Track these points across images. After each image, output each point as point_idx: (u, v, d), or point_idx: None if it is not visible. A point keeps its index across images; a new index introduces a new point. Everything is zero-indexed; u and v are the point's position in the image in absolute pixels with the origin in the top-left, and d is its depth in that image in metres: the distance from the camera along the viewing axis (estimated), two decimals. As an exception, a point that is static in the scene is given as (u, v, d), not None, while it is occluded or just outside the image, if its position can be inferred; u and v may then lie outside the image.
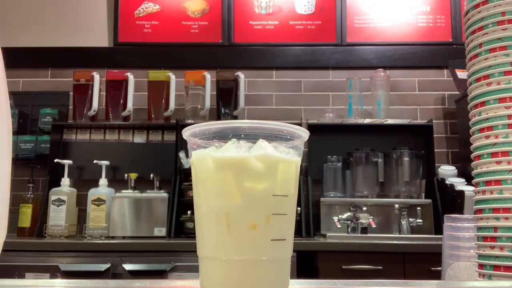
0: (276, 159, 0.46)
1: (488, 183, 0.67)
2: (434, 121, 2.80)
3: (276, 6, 3.03)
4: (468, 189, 2.36)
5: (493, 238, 0.66)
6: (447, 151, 2.88)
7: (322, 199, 2.60)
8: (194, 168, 0.49)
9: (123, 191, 2.47)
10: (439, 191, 2.54)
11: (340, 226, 2.44)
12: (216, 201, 0.46)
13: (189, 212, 2.43)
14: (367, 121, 2.74)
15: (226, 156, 0.46)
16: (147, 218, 2.39)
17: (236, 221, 0.45)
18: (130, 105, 2.71)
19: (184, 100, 2.78)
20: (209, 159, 0.47)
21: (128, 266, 2.08)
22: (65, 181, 2.52)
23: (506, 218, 0.65)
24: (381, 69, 2.82)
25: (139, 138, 2.82)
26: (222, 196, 0.46)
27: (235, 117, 2.75)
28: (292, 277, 0.49)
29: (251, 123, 0.46)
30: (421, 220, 2.48)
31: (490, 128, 0.68)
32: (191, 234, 2.39)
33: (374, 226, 2.41)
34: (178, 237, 2.38)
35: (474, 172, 0.71)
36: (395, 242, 2.22)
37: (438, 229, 2.43)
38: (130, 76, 2.76)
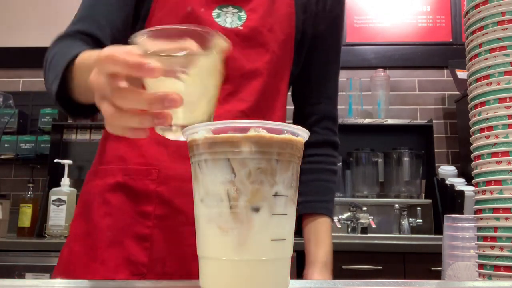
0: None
1: (488, 183, 0.67)
2: (434, 121, 2.80)
3: (276, 6, 3.02)
4: (468, 189, 2.36)
5: (493, 238, 0.66)
6: (447, 151, 2.88)
7: (322, 199, 2.59)
8: (194, 168, 0.49)
9: (123, 191, 2.47)
10: (439, 191, 2.54)
11: (340, 226, 2.44)
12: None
13: (189, 212, 2.42)
14: (367, 121, 2.74)
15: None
16: (147, 218, 2.39)
17: (236, 221, 0.45)
18: (130, 105, 2.70)
19: (184, 100, 2.77)
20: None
21: (128, 266, 2.07)
22: (65, 181, 2.51)
23: (506, 218, 0.65)
24: (381, 69, 2.81)
25: (139, 138, 2.82)
26: (222, 196, 0.46)
27: (235, 117, 2.75)
28: (292, 277, 0.49)
29: (251, 123, 0.46)
30: (421, 220, 2.48)
31: (490, 128, 0.68)
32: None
33: (374, 226, 2.41)
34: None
35: (474, 172, 0.71)
36: (395, 242, 2.21)
37: (438, 229, 2.43)
38: (130, 76, 2.75)
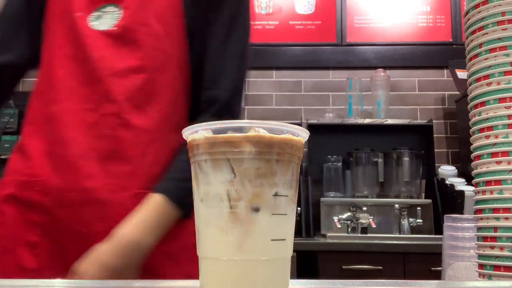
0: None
1: (488, 183, 0.67)
2: (434, 121, 2.80)
3: (276, 6, 3.03)
4: (468, 189, 2.36)
5: (493, 238, 0.66)
6: (447, 151, 2.88)
7: (322, 199, 2.60)
8: (194, 168, 0.49)
9: (123, 191, 2.47)
10: (439, 191, 2.54)
11: (340, 226, 2.44)
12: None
13: (189, 212, 2.42)
14: (367, 121, 2.74)
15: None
16: (147, 218, 2.38)
17: (236, 221, 0.45)
18: (130, 105, 2.70)
19: (184, 100, 2.77)
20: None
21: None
22: (65, 181, 2.51)
23: (506, 218, 0.65)
24: (381, 69, 2.82)
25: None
26: (222, 196, 0.46)
27: (235, 117, 2.75)
28: (292, 277, 0.49)
29: (251, 123, 0.46)
30: (421, 220, 2.48)
31: (490, 128, 0.68)
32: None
33: (374, 226, 2.41)
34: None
35: (474, 172, 0.71)
36: (395, 242, 2.22)
37: (438, 229, 2.43)
38: (130, 76, 2.75)
